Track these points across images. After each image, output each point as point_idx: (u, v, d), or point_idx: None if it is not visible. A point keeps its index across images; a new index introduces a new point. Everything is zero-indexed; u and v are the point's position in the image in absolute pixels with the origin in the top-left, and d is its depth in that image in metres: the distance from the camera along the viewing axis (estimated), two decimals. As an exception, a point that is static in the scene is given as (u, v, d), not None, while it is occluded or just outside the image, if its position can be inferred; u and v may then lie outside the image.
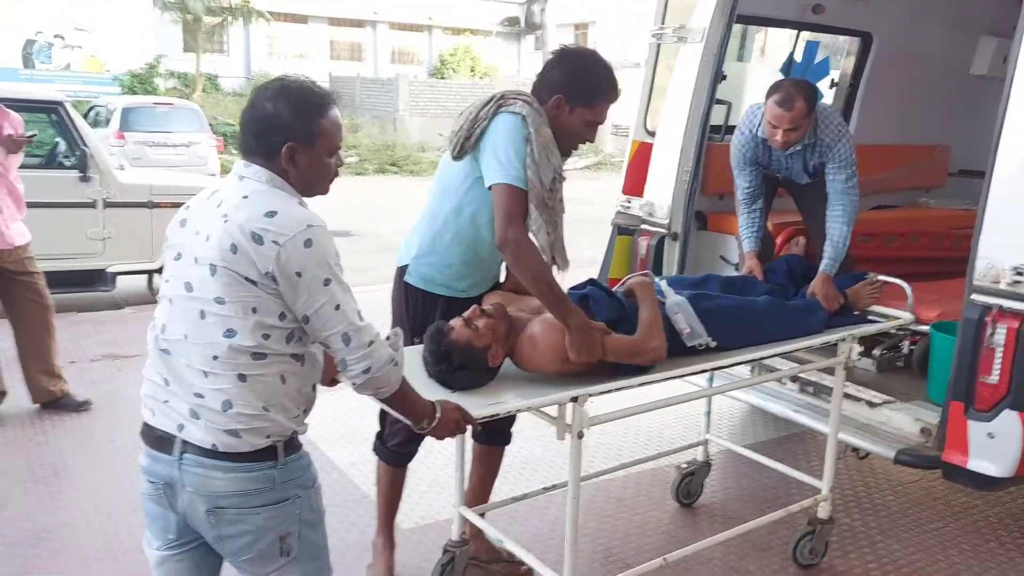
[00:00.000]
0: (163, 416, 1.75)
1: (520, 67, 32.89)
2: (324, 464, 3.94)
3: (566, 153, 2.59)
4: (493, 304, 2.42)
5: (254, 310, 1.67)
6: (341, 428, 4.36)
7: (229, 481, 1.71)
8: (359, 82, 26.96)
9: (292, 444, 1.80)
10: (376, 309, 8.10)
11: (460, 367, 2.28)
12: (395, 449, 2.90)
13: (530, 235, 2.43)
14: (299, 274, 1.66)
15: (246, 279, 1.65)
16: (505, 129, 2.44)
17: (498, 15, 32.95)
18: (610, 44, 31.17)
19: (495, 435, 2.96)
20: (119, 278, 6.72)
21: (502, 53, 33.04)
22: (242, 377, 1.68)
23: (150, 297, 7.08)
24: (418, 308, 2.69)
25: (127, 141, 13.27)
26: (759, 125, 3.43)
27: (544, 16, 32.66)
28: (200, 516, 1.74)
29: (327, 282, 1.68)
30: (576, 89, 2.49)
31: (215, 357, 1.68)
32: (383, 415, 2.87)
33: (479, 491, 3.04)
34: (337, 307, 1.70)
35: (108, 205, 6.49)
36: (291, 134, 1.73)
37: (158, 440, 1.76)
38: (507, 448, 3.08)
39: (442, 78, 29.62)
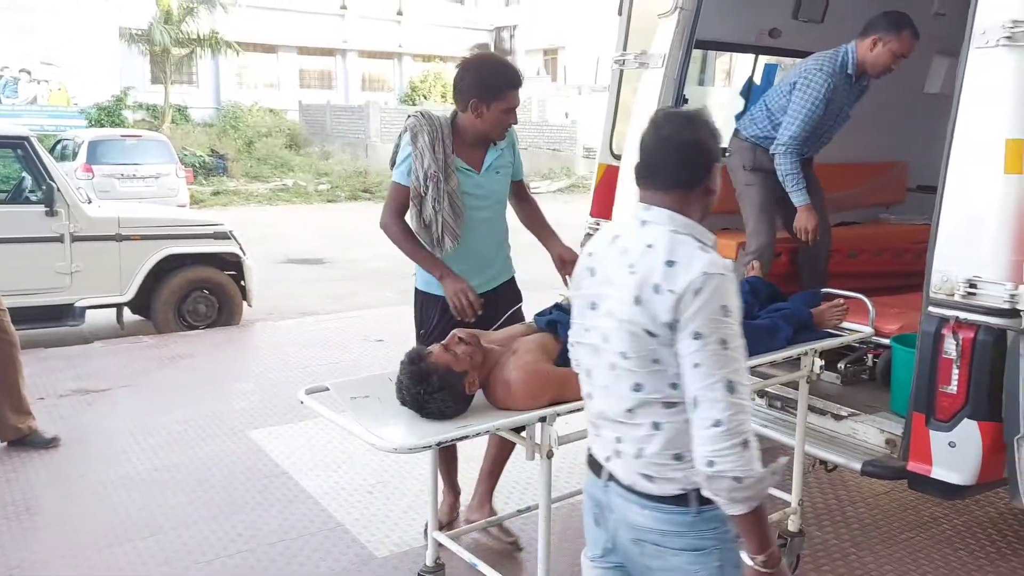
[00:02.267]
0: (597, 446, 1.82)
1: (490, 92, 33.12)
2: (297, 493, 3.92)
3: (499, 138, 3.12)
4: (469, 333, 2.47)
5: (655, 361, 1.65)
6: (314, 457, 4.34)
7: (646, 517, 1.72)
8: (329, 110, 27.02)
9: None
10: (351, 336, 8.03)
11: (439, 389, 2.30)
12: None
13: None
14: (689, 325, 1.60)
15: (647, 332, 1.64)
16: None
17: (468, 42, 33.24)
18: (579, 69, 31.57)
19: None
20: (88, 312, 6.66)
21: (472, 79, 33.26)
22: (656, 426, 1.68)
23: (119, 331, 7.03)
24: (424, 309, 3.19)
25: (95, 174, 13.21)
26: (852, 64, 3.81)
27: (513, 42, 33.06)
28: (625, 542, 1.78)
29: (723, 343, 1.59)
30: (485, 89, 2.97)
31: (628, 410, 1.70)
32: None
33: (493, 472, 3.42)
34: (718, 364, 1.58)
35: (76, 239, 6.46)
36: (715, 156, 1.76)
37: (593, 463, 1.84)
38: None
39: (413, 104, 29.75)
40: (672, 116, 1.79)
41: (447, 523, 3.36)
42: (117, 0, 24.56)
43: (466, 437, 2.26)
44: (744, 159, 4.11)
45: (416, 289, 3.25)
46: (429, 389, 2.30)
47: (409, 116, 3.11)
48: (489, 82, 2.97)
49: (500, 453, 3.37)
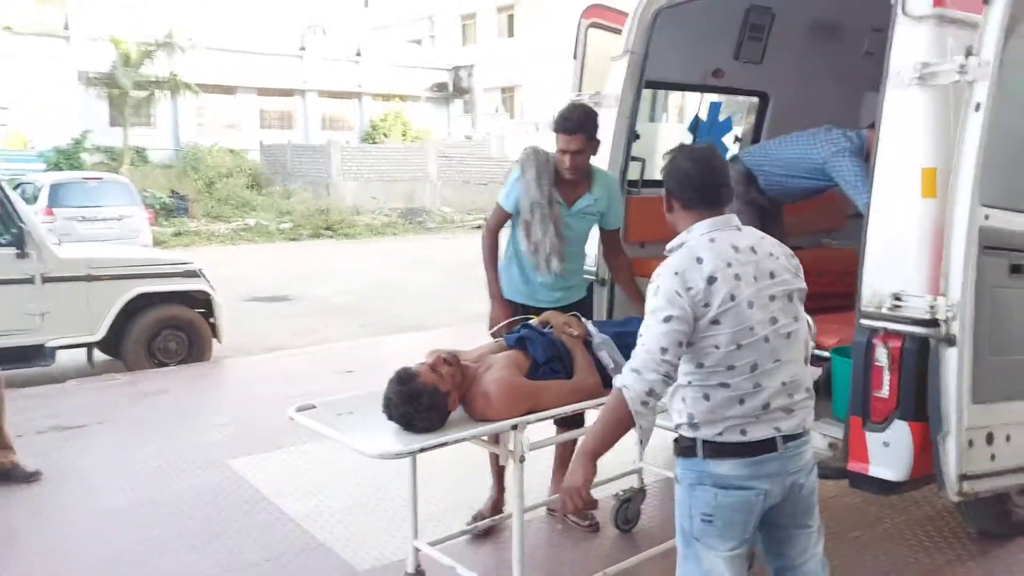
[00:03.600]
0: (763, 427, 2.11)
1: (450, 130, 33.61)
2: (279, 516, 4.07)
3: (564, 174, 3.49)
4: (451, 355, 2.69)
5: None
6: (295, 481, 4.49)
7: (807, 451, 2.19)
8: (290, 149, 27.16)
9: None
10: (321, 368, 8.09)
11: (428, 408, 2.52)
12: None
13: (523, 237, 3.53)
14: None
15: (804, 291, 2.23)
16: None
17: (427, 81, 33.72)
18: (535, 107, 32.18)
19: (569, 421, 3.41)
20: (57, 352, 6.72)
21: (432, 117, 33.72)
22: (806, 360, 2.22)
23: (90, 370, 7.08)
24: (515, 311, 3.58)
25: (56, 217, 13.20)
26: (865, 147, 4.14)
27: (472, 81, 33.61)
28: (787, 490, 2.15)
29: None
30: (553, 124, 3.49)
31: (806, 360, 2.19)
32: None
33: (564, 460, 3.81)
34: None
35: (46, 280, 6.53)
36: None
37: (757, 448, 2.10)
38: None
39: (374, 142, 30.01)
40: (715, 152, 2.32)
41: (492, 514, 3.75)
42: (75, 44, 24.59)
43: (445, 444, 2.48)
44: (736, 190, 4.36)
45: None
46: (419, 408, 2.51)
47: (524, 148, 3.60)
48: (553, 119, 3.49)
49: (565, 449, 3.81)
